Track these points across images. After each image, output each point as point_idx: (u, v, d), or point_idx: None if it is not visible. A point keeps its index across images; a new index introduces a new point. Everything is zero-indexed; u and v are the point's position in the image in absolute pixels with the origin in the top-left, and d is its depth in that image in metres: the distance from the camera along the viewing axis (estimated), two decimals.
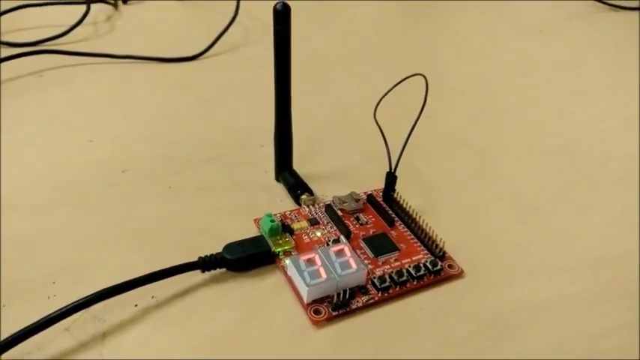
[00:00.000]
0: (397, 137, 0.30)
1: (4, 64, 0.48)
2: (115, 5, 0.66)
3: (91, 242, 0.30)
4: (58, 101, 0.44)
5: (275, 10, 0.28)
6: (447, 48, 0.59)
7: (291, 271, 0.27)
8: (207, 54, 0.54)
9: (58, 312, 0.24)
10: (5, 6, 0.60)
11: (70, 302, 0.24)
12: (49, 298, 0.26)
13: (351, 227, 0.30)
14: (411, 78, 0.29)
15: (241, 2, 0.63)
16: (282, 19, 0.28)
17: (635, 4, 0.72)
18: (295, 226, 0.30)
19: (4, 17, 0.59)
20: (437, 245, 0.29)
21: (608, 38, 0.63)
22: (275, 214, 0.30)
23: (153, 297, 0.26)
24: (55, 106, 0.44)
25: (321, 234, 0.30)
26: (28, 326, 0.23)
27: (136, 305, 0.26)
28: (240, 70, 0.51)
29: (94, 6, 0.63)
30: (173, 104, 0.45)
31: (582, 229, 0.32)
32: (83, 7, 0.61)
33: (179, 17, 0.65)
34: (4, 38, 0.54)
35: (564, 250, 0.30)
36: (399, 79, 0.30)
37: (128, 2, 0.67)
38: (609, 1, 0.72)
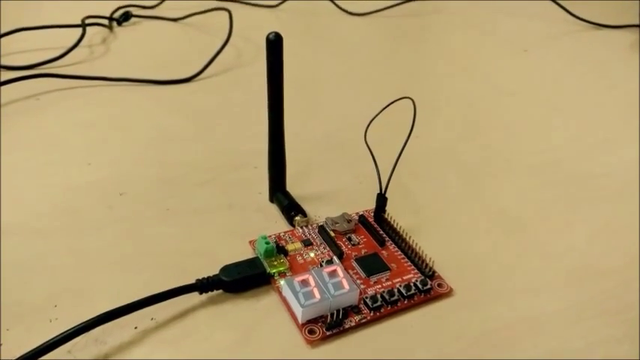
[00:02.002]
0: (387, 157, 0.31)
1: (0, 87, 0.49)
2: (110, 28, 0.67)
3: (90, 265, 0.30)
4: (55, 124, 0.45)
5: (268, 39, 0.29)
6: (434, 68, 0.61)
7: (286, 292, 0.28)
8: (202, 75, 0.55)
9: (60, 336, 0.24)
10: (1, 29, 0.61)
11: (71, 326, 0.25)
12: (50, 321, 0.27)
13: (344, 248, 0.31)
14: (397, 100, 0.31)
15: (234, 23, 0.64)
16: (274, 48, 0.29)
17: (617, 22, 0.74)
18: (289, 247, 0.31)
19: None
20: (426, 264, 0.30)
21: (592, 56, 0.65)
22: (269, 236, 0.31)
23: (152, 319, 0.27)
24: (52, 129, 0.45)
25: (315, 255, 0.31)
26: (32, 350, 0.24)
27: (135, 327, 0.26)
28: (233, 92, 0.52)
29: (89, 29, 0.64)
30: (169, 126, 0.46)
31: (566, 245, 0.33)
32: (79, 30, 0.62)
33: (173, 39, 0.67)
34: (1, 62, 0.55)
35: (549, 266, 0.32)
36: (388, 100, 0.31)
37: (123, 25, 0.69)
38: (592, 20, 0.74)
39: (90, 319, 0.25)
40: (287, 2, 0.79)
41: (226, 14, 0.67)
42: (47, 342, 0.24)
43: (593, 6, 0.81)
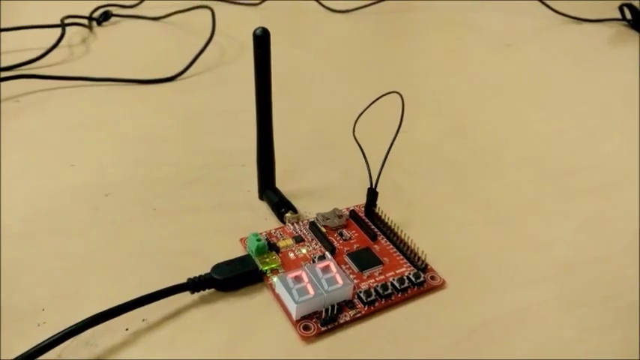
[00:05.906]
0: (376, 153, 0.31)
1: None
2: (90, 27, 0.66)
3: (78, 268, 0.30)
4: (37, 126, 0.44)
5: (255, 35, 0.29)
6: (418, 63, 0.61)
7: (280, 289, 0.27)
8: (186, 74, 0.55)
9: (50, 339, 0.24)
10: None
11: (60, 329, 0.24)
12: (39, 325, 0.26)
13: (336, 243, 0.31)
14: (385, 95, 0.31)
15: (216, 21, 0.64)
16: (262, 43, 0.29)
17: (596, 17, 0.75)
18: (281, 244, 0.31)
19: None
20: (419, 258, 0.30)
21: (573, 50, 0.66)
22: (260, 233, 0.31)
23: (143, 320, 0.26)
24: (34, 131, 0.44)
25: (307, 251, 0.31)
26: (21, 355, 0.23)
27: (127, 329, 0.26)
28: (218, 90, 0.52)
29: (68, 29, 0.63)
30: (153, 126, 0.45)
31: (553, 237, 0.34)
32: (58, 31, 0.61)
33: (154, 38, 0.66)
34: None
35: (537, 258, 0.32)
36: (374, 97, 0.31)
37: (103, 24, 0.68)
38: (572, 14, 0.75)
39: (79, 322, 0.25)
40: (269, 0, 0.78)
41: (208, 12, 0.66)
42: (36, 346, 0.23)
43: (573, 1, 0.82)
